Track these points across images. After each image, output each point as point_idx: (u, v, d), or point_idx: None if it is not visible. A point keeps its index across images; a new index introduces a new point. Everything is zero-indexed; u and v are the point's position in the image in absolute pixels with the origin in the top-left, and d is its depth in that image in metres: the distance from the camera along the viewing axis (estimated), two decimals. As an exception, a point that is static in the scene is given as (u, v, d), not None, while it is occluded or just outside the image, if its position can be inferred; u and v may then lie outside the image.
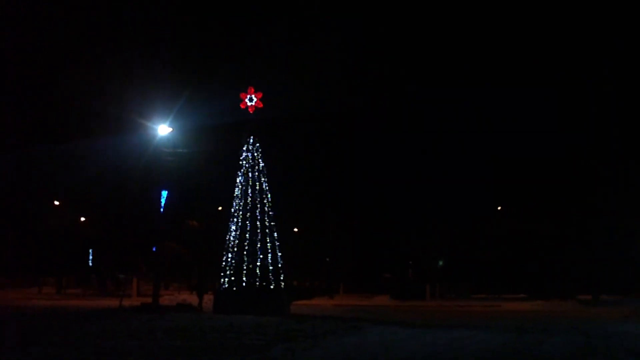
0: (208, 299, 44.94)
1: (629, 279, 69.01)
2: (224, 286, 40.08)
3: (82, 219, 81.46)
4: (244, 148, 41.41)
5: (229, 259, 40.08)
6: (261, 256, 39.81)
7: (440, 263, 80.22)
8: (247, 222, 40.24)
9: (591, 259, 78.49)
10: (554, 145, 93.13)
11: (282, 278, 40.50)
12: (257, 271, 39.58)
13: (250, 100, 41.12)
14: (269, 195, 41.19)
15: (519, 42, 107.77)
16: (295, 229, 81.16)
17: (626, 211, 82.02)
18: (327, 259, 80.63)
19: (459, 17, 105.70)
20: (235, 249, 40.04)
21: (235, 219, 40.63)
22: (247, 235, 40.03)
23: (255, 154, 41.27)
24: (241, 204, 40.62)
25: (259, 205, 40.55)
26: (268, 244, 40.15)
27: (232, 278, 39.76)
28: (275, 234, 40.82)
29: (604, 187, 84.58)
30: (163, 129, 41.82)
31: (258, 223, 40.29)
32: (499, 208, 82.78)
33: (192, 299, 49.69)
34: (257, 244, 39.95)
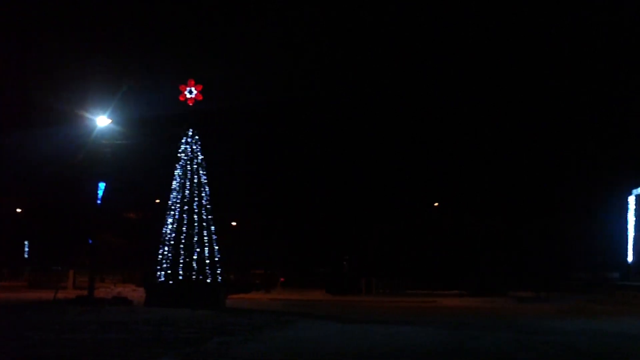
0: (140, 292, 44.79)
1: (562, 275, 70.13)
2: (160, 279, 39.92)
3: (18, 210, 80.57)
4: (183, 140, 41.23)
5: (165, 252, 39.95)
6: (198, 249, 39.71)
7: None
8: (184, 215, 40.15)
9: (525, 255, 79.71)
10: (492, 144, 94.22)
11: (218, 272, 40.45)
12: (194, 264, 39.51)
13: (190, 92, 40.92)
14: (207, 189, 41.11)
15: (458, 35, 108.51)
16: (233, 223, 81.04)
17: (559, 210, 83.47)
18: (264, 253, 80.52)
19: (401, 12, 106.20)
20: (172, 242, 39.92)
21: (172, 212, 40.48)
22: (184, 228, 39.94)
23: (194, 147, 41.13)
24: (179, 196, 40.48)
25: (196, 198, 40.45)
26: (205, 238, 40.08)
27: (169, 271, 39.65)
28: (213, 228, 40.76)
29: (539, 186, 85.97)
30: (102, 121, 41.53)
31: (195, 216, 40.20)
32: (436, 205, 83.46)
33: (127, 292, 49.42)
34: (194, 237, 39.87)
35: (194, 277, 39.41)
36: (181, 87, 41.07)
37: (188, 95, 40.93)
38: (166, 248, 39.99)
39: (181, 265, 39.46)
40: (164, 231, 40.52)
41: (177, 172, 40.94)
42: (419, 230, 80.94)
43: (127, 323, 26.07)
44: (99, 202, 43.09)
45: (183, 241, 39.69)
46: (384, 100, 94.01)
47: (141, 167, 65.52)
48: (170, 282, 39.35)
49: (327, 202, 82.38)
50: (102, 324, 25.36)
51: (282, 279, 76.18)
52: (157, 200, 63.52)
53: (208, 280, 39.66)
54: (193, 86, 41.00)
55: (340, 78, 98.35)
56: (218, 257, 40.56)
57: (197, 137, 41.38)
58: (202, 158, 41.25)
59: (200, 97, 41.10)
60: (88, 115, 42.08)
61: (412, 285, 73.60)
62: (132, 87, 50.02)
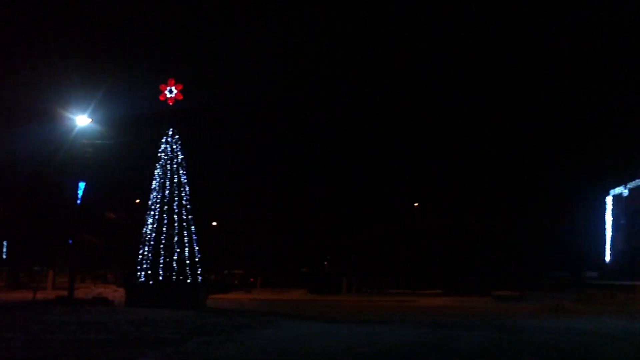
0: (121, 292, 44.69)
1: (542, 275, 70.48)
2: (140, 279, 39.86)
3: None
4: (163, 140, 41.19)
5: (146, 252, 39.89)
6: (178, 250, 39.69)
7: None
8: (165, 215, 40.10)
9: (505, 255, 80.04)
10: (473, 145, 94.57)
11: (198, 272, 40.44)
12: (174, 265, 39.46)
13: (170, 92, 40.87)
14: (187, 188, 41.07)
15: (431, 39, 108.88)
16: (214, 223, 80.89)
17: (539, 210, 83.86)
18: (245, 253, 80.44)
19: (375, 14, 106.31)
20: (152, 242, 39.87)
21: (152, 212, 40.43)
22: (164, 228, 39.89)
23: (174, 146, 41.08)
24: (159, 196, 40.44)
25: (176, 198, 40.41)
26: (185, 238, 40.06)
27: (149, 272, 39.59)
28: (193, 228, 40.73)
29: (519, 186, 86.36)
30: (82, 120, 41.43)
31: (175, 216, 40.16)
32: (416, 205, 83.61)
33: (108, 292, 49.29)
34: (174, 238, 39.82)
35: (174, 277, 39.37)
36: (161, 87, 41.03)
37: (168, 95, 40.88)
38: (146, 248, 39.91)
39: (161, 265, 39.41)
40: (144, 231, 40.43)
41: (157, 171, 40.87)
42: (399, 230, 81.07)
43: (107, 323, 26.03)
44: (78, 202, 42.95)
45: (163, 241, 39.63)
46: (365, 102, 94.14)
47: (121, 166, 65.29)
48: (151, 282, 39.30)
49: (309, 202, 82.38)
50: (82, 325, 25.31)
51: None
52: (138, 200, 63.39)
53: (188, 281, 39.62)
54: (173, 85, 40.96)
55: (326, 79, 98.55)
56: (198, 257, 40.54)
57: (177, 136, 41.33)
58: (182, 158, 41.21)
59: (181, 97, 41.06)
60: (68, 114, 41.96)
61: (393, 285, 73.83)
62: (113, 86, 49.91)
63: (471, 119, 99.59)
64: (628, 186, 72.71)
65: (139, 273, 39.83)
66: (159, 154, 41.05)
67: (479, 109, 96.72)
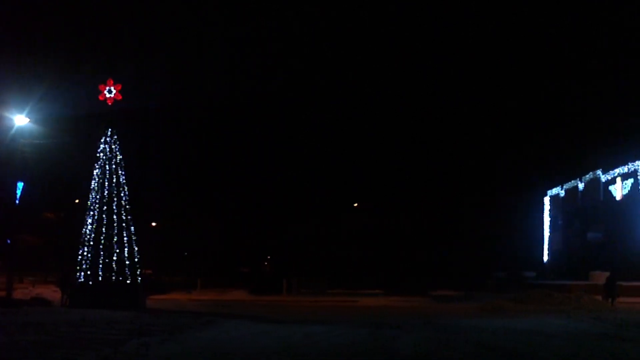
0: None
1: (482, 275, 71.20)
2: (79, 280, 39.59)
3: None
4: (102, 140, 40.92)
5: (85, 253, 39.62)
6: (117, 250, 39.50)
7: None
8: (104, 216, 39.87)
9: (446, 255, 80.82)
10: (414, 145, 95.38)
11: (138, 272, 40.29)
12: (113, 265, 39.27)
13: (110, 92, 40.66)
14: (126, 189, 40.88)
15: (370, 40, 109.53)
16: (154, 223, 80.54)
17: (479, 211, 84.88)
18: (185, 253, 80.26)
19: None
20: (92, 243, 39.61)
21: (91, 212, 40.17)
22: (104, 228, 39.67)
23: (113, 146, 40.84)
24: (98, 197, 40.20)
25: (115, 199, 40.21)
26: (125, 238, 39.87)
27: (89, 272, 39.33)
28: (132, 228, 40.56)
29: (460, 188, 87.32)
30: (20, 120, 41.10)
31: (115, 216, 39.96)
32: (356, 205, 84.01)
33: (48, 293, 48.81)
34: (114, 238, 39.62)
35: (113, 277, 39.18)
36: (100, 87, 40.78)
37: (107, 95, 40.64)
38: (85, 249, 39.67)
39: (101, 266, 39.20)
40: (83, 231, 40.18)
41: (96, 171, 40.60)
42: (340, 230, 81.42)
43: (46, 324, 25.79)
44: (17, 202, 42.56)
45: (103, 242, 39.43)
46: (307, 102, 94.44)
47: (60, 166, 64.79)
48: (90, 282, 39.06)
49: (250, 203, 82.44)
50: (20, 325, 25.08)
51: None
52: (77, 200, 62.92)
53: (128, 281, 39.47)
54: (112, 85, 40.73)
55: (264, 78, 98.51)
56: (138, 258, 40.37)
57: (116, 137, 41.09)
58: (121, 158, 40.98)
59: (120, 97, 40.85)
60: (6, 114, 41.60)
61: (334, 285, 74.04)
62: (52, 85, 49.52)
63: (411, 122, 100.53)
64: (564, 187, 73.85)
65: (78, 273, 39.58)
66: (98, 154, 40.78)
67: (419, 112, 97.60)
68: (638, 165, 57.37)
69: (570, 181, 71.94)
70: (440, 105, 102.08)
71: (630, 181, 58.66)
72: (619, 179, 60.86)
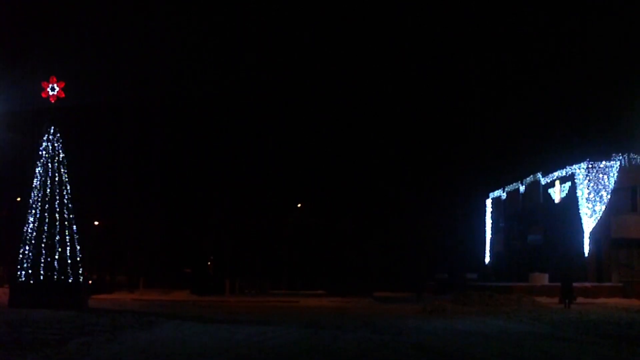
0: (3, 292, 43.81)
1: (425, 276, 71.75)
2: (20, 279, 39.20)
3: None
4: (44, 138, 40.55)
5: (27, 252, 39.25)
6: (59, 249, 39.17)
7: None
8: (46, 214, 39.52)
9: (389, 257, 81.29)
10: (357, 145, 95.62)
11: (80, 272, 39.98)
12: (55, 264, 38.95)
13: (52, 89, 40.32)
14: (69, 187, 40.54)
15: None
16: (96, 222, 79.87)
17: (423, 213, 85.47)
18: (128, 253, 79.70)
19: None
20: (33, 242, 39.24)
21: (33, 211, 39.79)
22: (46, 227, 39.32)
23: (56, 144, 40.48)
24: (40, 195, 39.84)
25: (58, 197, 39.87)
26: (67, 237, 39.55)
27: (30, 271, 38.97)
28: (75, 227, 40.24)
29: (404, 189, 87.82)
30: (-41, 116, 40.71)
31: (57, 215, 39.61)
32: (299, 205, 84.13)
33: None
34: (56, 237, 39.29)
35: (55, 277, 38.86)
36: (43, 84, 40.42)
37: (50, 92, 40.29)
38: (27, 247, 39.29)
39: (43, 265, 38.86)
40: (25, 230, 39.80)
41: (38, 169, 40.21)
42: (283, 231, 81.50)
43: (-15, 324, 25.57)
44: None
45: (44, 240, 39.08)
46: (257, 101, 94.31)
47: (2, 163, 64.02)
48: (31, 282, 38.71)
49: (192, 202, 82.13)
50: (-42, 326, 24.84)
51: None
52: (19, 199, 62.24)
53: (70, 281, 39.15)
54: (55, 83, 40.39)
55: (215, 75, 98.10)
56: (80, 257, 40.06)
57: (58, 134, 40.73)
58: (63, 156, 40.64)
59: (63, 95, 40.52)
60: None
61: (277, 286, 74.26)
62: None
63: (354, 122, 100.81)
64: (506, 189, 74.68)
65: (19, 272, 39.19)
66: (40, 152, 40.41)
67: (363, 112, 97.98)
68: (575, 169, 58.22)
69: (512, 184, 72.76)
70: (384, 104, 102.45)
71: (567, 184, 59.48)
72: (557, 182, 61.69)
